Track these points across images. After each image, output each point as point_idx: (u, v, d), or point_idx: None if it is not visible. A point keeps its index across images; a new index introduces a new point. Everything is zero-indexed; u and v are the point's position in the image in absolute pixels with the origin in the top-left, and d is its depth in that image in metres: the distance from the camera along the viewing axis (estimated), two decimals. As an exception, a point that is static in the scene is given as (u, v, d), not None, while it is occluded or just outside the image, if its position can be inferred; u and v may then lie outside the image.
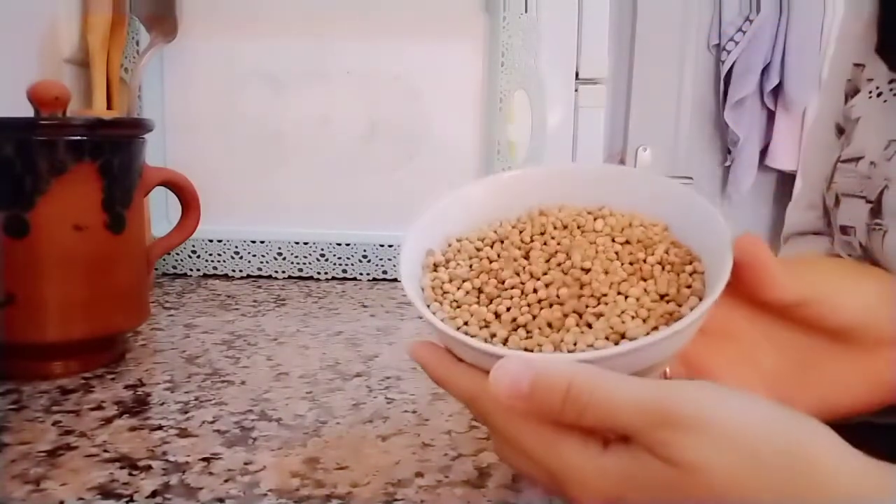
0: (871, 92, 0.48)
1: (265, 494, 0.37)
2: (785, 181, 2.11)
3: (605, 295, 0.31)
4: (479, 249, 0.35)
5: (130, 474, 0.38)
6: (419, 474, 0.39)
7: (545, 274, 0.33)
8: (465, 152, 0.90)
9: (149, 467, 0.39)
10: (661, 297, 0.32)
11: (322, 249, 0.89)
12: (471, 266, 0.34)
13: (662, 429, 0.26)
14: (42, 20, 0.85)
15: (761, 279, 0.34)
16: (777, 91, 2.04)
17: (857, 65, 0.50)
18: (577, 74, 1.00)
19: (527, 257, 0.34)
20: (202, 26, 0.88)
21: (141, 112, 0.86)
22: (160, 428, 0.44)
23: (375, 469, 0.39)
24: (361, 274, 0.89)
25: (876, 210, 0.43)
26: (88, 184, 0.52)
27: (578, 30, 1.00)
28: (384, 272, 0.88)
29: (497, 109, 0.87)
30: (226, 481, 0.38)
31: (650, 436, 0.26)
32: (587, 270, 0.33)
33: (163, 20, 0.85)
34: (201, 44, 0.88)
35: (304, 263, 0.89)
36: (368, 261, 0.88)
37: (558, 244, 0.34)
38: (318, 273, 0.89)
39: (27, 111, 0.53)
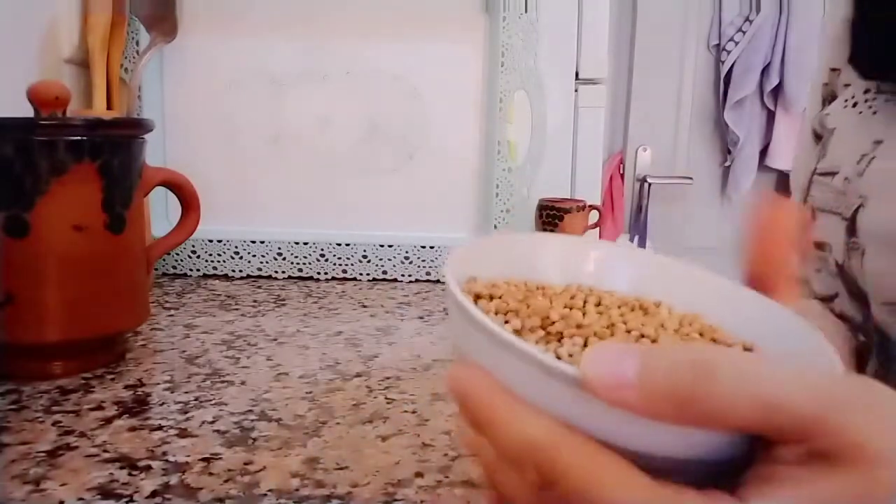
0: (846, 101, 0.46)
1: (265, 494, 0.37)
2: (785, 181, 2.11)
3: None
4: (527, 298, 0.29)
5: (130, 474, 0.38)
6: (419, 474, 0.39)
7: None
8: (465, 152, 0.90)
9: (149, 467, 0.39)
10: None
11: (322, 249, 0.89)
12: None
13: (841, 413, 0.20)
14: (42, 20, 0.85)
15: None
16: (777, 91, 2.04)
17: (833, 69, 0.48)
18: (577, 74, 1.00)
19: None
20: (202, 26, 0.88)
21: (141, 112, 0.86)
22: (160, 428, 0.44)
23: (375, 469, 0.39)
24: (361, 274, 0.89)
25: (851, 228, 0.42)
26: (88, 184, 0.52)
27: (578, 30, 1.00)
28: (384, 272, 0.88)
29: (497, 109, 0.87)
30: (226, 481, 0.38)
31: (827, 424, 0.20)
32: None
33: (163, 20, 0.85)
34: (201, 44, 0.88)
35: (304, 263, 0.89)
36: (368, 261, 0.88)
37: (622, 317, 0.28)
38: (318, 273, 0.89)
39: (27, 111, 0.53)
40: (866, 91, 0.44)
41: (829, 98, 0.49)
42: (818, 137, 0.49)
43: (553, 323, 0.27)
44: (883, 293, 0.40)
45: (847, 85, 0.47)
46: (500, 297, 0.28)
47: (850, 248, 0.42)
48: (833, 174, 0.44)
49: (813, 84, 0.52)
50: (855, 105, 0.45)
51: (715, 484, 0.22)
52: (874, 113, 0.43)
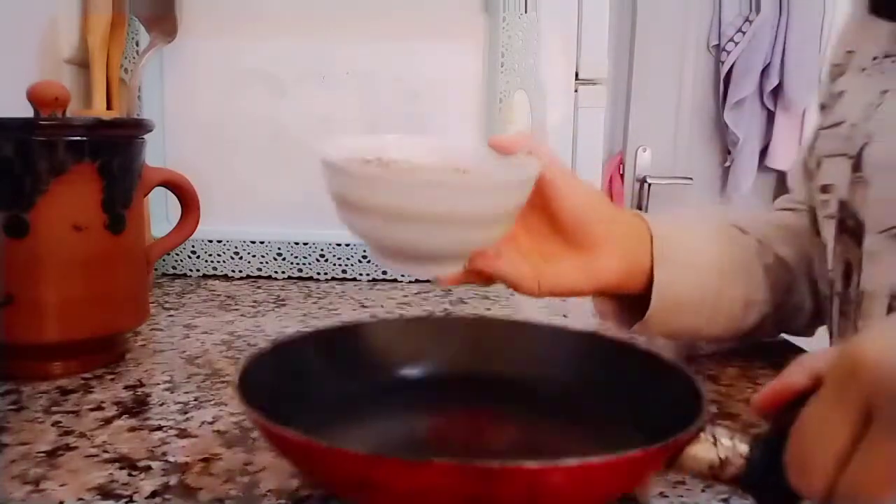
0: (854, 69, 0.51)
1: (265, 495, 0.37)
2: (785, 181, 2.11)
3: None
4: None
5: (130, 475, 0.38)
6: (419, 475, 0.39)
7: None
8: (464, 152, 0.89)
9: (148, 468, 0.39)
10: None
11: (322, 250, 0.88)
12: None
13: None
14: (42, 20, 0.85)
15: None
16: (777, 91, 2.03)
17: (849, 52, 0.53)
18: (577, 74, 1.00)
19: None
20: (202, 26, 0.88)
21: (141, 112, 0.86)
22: (160, 428, 0.44)
23: (375, 469, 0.39)
24: (361, 274, 0.89)
25: (857, 164, 0.47)
26: (88, 184, 0.52)
27: (578, 30, 1.00)
28: (384, 272, 0.88)
29: (497, 109, 0.87)
30: (226, 481, 0.38)
31: None
32: None
33: (163, 20, 0.85)
34: (201, 44, 0.88)
35: (304, 264, 0.89)
36: (368, 261, 0.88)
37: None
38: (318, 273, 0.89)
39: (27, 111, 0.53)
40: (874, 58, 0.49)
41: (837, 75, 0.54)
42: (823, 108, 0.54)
43: None
44: (884, 220, 0.46)
45: (851, 51, 0.52)
46: None
47: (854, 182, 0.47)
48: (839, 124, 0.49)
49: (821, 78, 0.58)
50: (863, 70, 0.50)
51: None
52: (882, 73, 0.48)
